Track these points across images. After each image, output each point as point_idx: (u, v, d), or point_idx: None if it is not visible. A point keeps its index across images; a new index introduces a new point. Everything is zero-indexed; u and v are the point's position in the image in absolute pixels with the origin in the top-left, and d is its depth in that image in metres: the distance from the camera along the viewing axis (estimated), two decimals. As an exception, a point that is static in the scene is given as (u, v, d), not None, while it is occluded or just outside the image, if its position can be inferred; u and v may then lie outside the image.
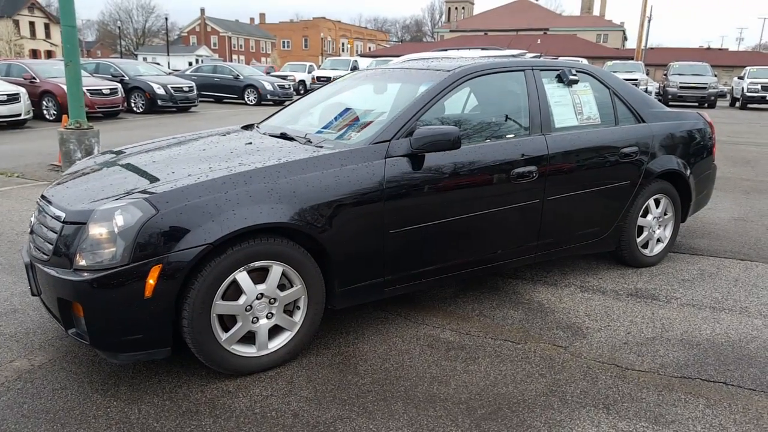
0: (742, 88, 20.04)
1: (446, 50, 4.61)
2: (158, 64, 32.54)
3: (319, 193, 2.39)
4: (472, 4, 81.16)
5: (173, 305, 2.15)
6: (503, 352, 2.61)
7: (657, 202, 3.74)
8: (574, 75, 3.33)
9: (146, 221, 2.08)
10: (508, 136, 3.06)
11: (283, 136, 2.97)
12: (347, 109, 3.28)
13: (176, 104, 15.14)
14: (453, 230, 2.81)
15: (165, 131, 10.95)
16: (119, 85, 13.70)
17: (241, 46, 77.99)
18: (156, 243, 2.08)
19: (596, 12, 71.80)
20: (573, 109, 3.32)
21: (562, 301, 3.20)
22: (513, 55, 3.87)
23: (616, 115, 3.51)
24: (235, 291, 2.26)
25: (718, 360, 2.57)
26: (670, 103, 19.85)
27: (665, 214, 3.82)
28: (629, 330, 2.85)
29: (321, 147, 2.66)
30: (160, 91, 14.74)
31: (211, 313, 2.21)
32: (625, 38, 62.95)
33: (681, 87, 20.16)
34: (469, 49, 4.70)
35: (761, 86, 19.45)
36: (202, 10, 76.99)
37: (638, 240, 3.69)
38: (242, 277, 2.25)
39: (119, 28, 60.62)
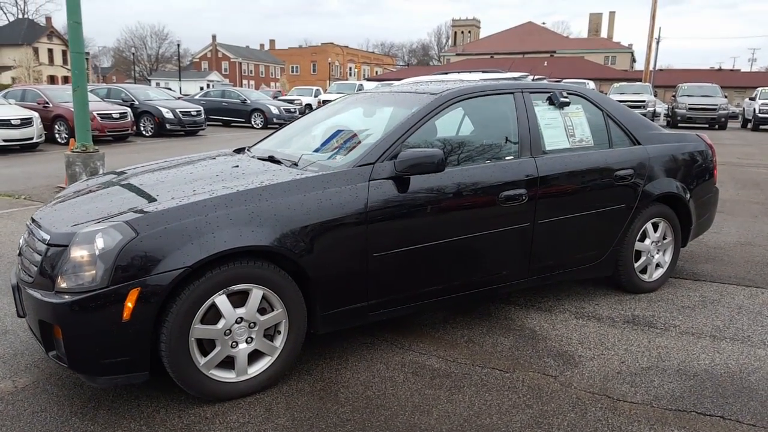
0: (754, 109, 19.84)
1: (447, 73, 4.62)
2: (170, 89, 33.15)
3: (301, 216, 2.37)
4: (479, 27, 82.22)
5: (152, 329, 2.13)
6: (490, 380, 2.53)
7: (655, 226, 3.67)
8: (565, 97, 3.31)
9: (126, 244, 2.08)
10: (496, 159, 3.03)
11: (271, 159, 2.97)
12: (336, 133, 3.29)
13: (184, 128, 15.39)
14: (439, 254, 2.77)
15: (171, 154, 11.08)
16: (129, 110, 13.97)
17: (251, 71, 79.42)
18: (135, 266, 2.07)
19: (604, 34, 72.37)
20: (564, 132, 3.29)
21: (555, 328, 3.12)
22: (515, 78, 3.87)
23: (609, 137, 3.48)
24: (214, 315, 2.23)
25: (716, 392, 2.47)
26: (679, 125, 19.72)
27: (664, 239, 3.74)
28: (623, 359, 2.77)
29: (305, 170, 2.66)
30: (169, 115, 15.01)
31: (190, 337, 2.18)
32: (633, 60, 63.20)
33: (690, 108, 19.98)
34: (470, 72, 4.71)
35: (774, 107, 19.23)
36: (214, 37, 78.83)
37: (636, 265, 3.61)
38: (221, 300, 2.22)
39: (133, 54, 62.12)
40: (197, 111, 15.82)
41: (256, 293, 2.29)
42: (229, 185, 2.46)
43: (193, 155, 3.46)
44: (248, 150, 3.43)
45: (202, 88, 25.96)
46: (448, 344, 2.90)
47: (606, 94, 20.95)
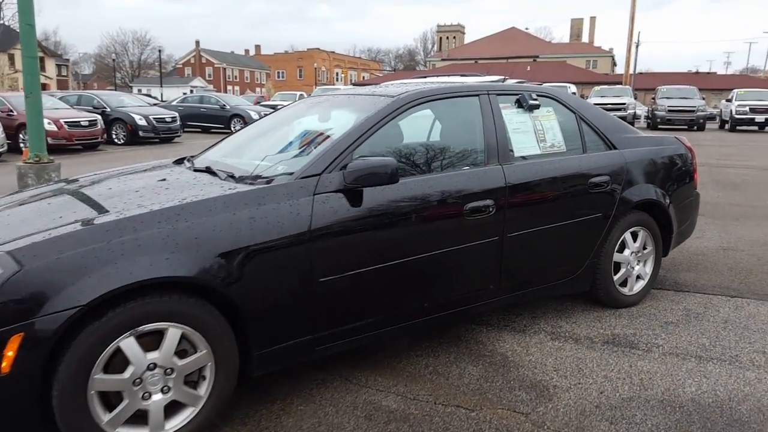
0: (731, 111, 20.00)
1: (426, 77, 4.37)
2: (150, 95, 32.55)
3: (229, 237, 2.04)
4: (463, 33, 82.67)
5: (40, 382, 1.78)
6: (453, 423, 2.22)
7: (634, 236, 3.40)
8: (535, 99, 3.03)
9: (6, 280, 1.73)
10: (460, 168, 2.74)
11: (208, 170, 2.64)
12: (287, 140, 2.96)
13: (158, 135, 14.92)
14: (399, 275, 2.46)
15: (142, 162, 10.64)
16: (99, 117, 13.49)
17: (236, 76, 78.70)
18: (17, 306, 1.72)
19: (585, 39, 73.07)
20: (534, 136, 3.01)
21: (529, 353, 2.82)
22: (492, 81, 3.60)
23: (583, 141, 3.20)
24: (120, 362, 1.88)
25: (704, 427, 2.19)
26: (659, 127, 19.81)
27: (644, 249, 3.47)
28: (602, 389, 2.48)
29: (241, 183, 2.33)
30: (142, 122, 14.54)
31: (88, 390, 1.83)
32: (614, 64, 63.79)
33: (669, 110, 20.16)
34: (449, 76, 4.47)
35: (749, 108, 19.43)
36: (197, 42, 78.00)
37: (615, 278, 3.34)
38: (128, 344, 1.88)
39: (114, 60, 61.12)
40: (172, 117, 15.37)
41: (173, 333, 1.95)
42: (145, 203, 2.12)
43: (127, 167, 3.12)
44: (189, 160, 3.09)
45: (185, 94, 25.41)
46: (410, 377, 2.58)
47: (587, 97, 21.01)
